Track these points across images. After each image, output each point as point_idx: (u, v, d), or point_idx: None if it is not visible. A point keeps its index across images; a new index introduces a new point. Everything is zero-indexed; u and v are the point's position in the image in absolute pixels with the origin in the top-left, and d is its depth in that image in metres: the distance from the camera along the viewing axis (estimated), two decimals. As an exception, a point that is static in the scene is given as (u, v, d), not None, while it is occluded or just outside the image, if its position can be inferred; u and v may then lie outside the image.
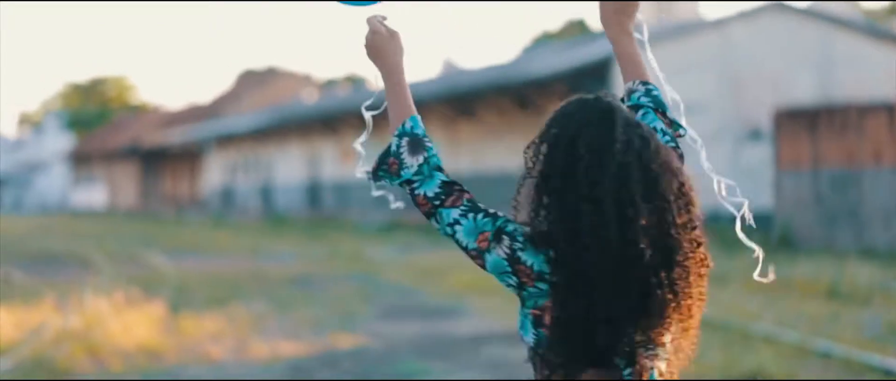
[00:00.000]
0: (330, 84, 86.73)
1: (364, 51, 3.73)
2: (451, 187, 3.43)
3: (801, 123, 25.08)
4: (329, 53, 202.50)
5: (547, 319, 3.25)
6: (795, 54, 32.10)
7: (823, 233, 24.42)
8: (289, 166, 55.35)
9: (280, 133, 55.89)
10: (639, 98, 3.73)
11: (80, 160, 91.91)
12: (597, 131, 3.23)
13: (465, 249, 3.38)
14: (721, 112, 30.74)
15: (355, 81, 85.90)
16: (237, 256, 26.99)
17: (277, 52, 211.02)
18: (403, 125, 3.53)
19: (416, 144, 3.49)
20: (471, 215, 3.36)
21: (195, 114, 78.75)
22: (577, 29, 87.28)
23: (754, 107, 30.86)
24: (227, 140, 63.25)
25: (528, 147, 3.35)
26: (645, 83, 3.77)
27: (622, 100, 3.70)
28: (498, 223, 3.31)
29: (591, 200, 3.16)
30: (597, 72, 30.90)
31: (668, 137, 3.57)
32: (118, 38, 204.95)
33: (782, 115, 25.91)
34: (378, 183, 3.56)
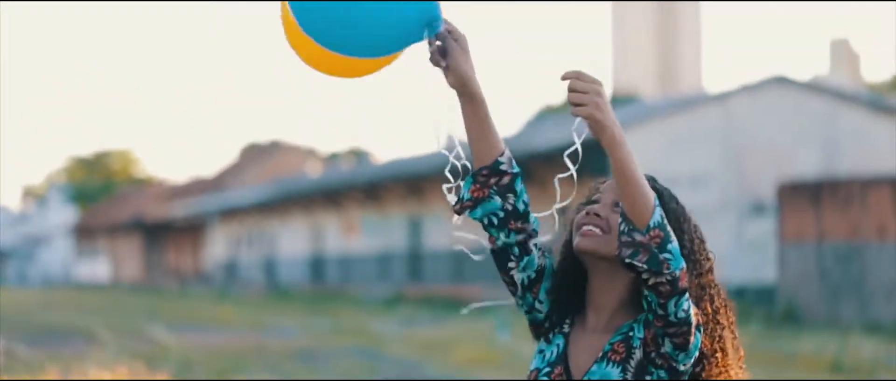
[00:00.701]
0: (333, 158, 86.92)
1: (589, 115, 3.32)
2: None
3: (805, 197, 25.09)
4: (333, 127, 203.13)
5: None
6: (799, 128, 32.17)
7: (827, 307, 24.36)
8: (292, 240, 55.35)
9: (283, 207, 55.92)
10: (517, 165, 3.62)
11: (84, 233, 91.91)
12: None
13: (688, 325, 3.35)
14: (725, 185, 30.76)
15: (359, 155, 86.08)
16: (241, 329, 26.94)
17: (281, 126, 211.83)
18: (656, 198, 3.33)
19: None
20: None
21: (199, 187, 78.85)
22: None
23: (758, 180, 30.88)
24: (230, 213, 63.29)
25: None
26: None
27: (500, 165, 3.53)
28: None
29: (712, 270, 3.60)
30: (600, 146, 30.96)
31: None
32: (123, 112, 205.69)
33: (786, 188, 25.92)
34: (660, 264, 3.30)
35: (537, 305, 3.59)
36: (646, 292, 3.35)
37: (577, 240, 3.51)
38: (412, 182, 43.20)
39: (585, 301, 3.56)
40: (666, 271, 3.28)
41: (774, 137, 31.88)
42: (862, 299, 23.74)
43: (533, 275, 3.54)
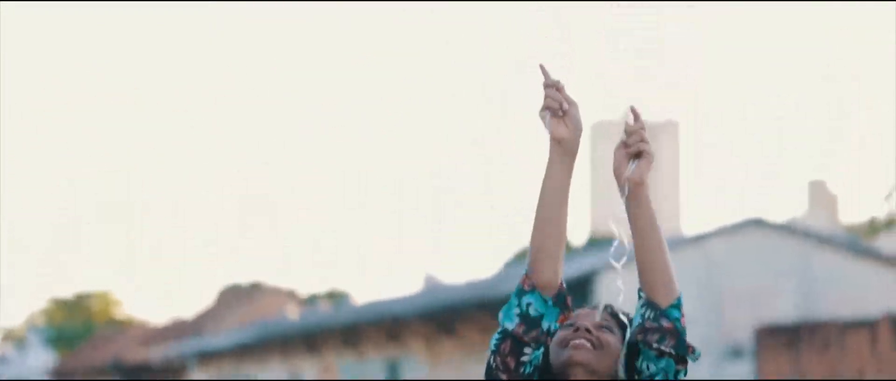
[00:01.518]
0: (312, 300, 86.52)
1: (651, 154, 3.68)
2: None
3: (783, 340, 25.13)
4: (312, 268, 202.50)
5: None
6: (776, 270, 32.21)
7: (807, 450, 24.26)
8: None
9: (261, 351, 55.53)
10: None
11: (64, 378, 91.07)
12: None
13: None
14: (701, 329, 30.61)
15: (337, 297, 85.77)
16: None
17: (261, 268, 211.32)
18: None
19: None
20: None
21: (178, 329, 78.37)
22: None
23: (735, 323, 30.84)
24: (209, 357, 62.84)
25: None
26: None
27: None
28: None
29: None
30: (579, 288, 30.98)
31: None
32: (103, 253, 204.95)
33: (764, 331, 25.95)
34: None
35: None
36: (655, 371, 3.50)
37: (568, 353, 3.58)
38: (390, 326, 42.99)
39: None
40: (691, 356, 3.53)
41: (752, 279, 31.90)
42: (841, 442, 23.65)
43: (531, 369, 3.59)
